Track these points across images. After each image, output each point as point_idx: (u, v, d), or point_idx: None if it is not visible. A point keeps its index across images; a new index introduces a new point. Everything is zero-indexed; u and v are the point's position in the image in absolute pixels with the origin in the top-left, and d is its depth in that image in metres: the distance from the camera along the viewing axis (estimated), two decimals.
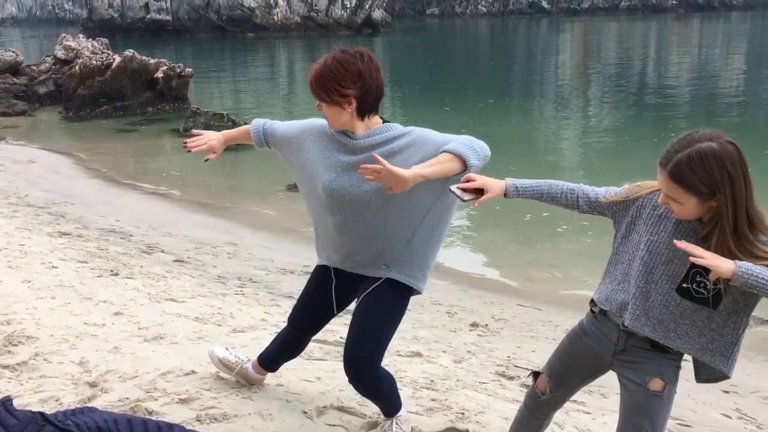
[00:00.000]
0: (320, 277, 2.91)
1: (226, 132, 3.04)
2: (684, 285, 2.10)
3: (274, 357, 3.20)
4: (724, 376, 2.25)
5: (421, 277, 2.79)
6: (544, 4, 74.64)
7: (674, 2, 74.48)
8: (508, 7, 75.93)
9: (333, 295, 2.88)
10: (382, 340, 2.74)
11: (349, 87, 2.50)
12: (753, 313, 5.99)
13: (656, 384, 2.21)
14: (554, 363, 2.46)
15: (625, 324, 2.20)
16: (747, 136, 14.32)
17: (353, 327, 2.76)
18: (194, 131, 3.00)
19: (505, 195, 2.36)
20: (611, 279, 2.27)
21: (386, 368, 3.03)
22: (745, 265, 1.91)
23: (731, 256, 1.95)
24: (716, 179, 1.95)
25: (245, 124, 3.27)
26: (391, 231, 2.66)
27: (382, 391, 2.87)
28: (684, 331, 2.15)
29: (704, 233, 2.05)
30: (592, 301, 2.35)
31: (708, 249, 1.98)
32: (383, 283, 2.73)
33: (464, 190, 2.34)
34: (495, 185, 2.33)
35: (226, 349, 3.35)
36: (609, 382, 4.30)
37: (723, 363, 2.18)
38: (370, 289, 2.73)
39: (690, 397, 4.17)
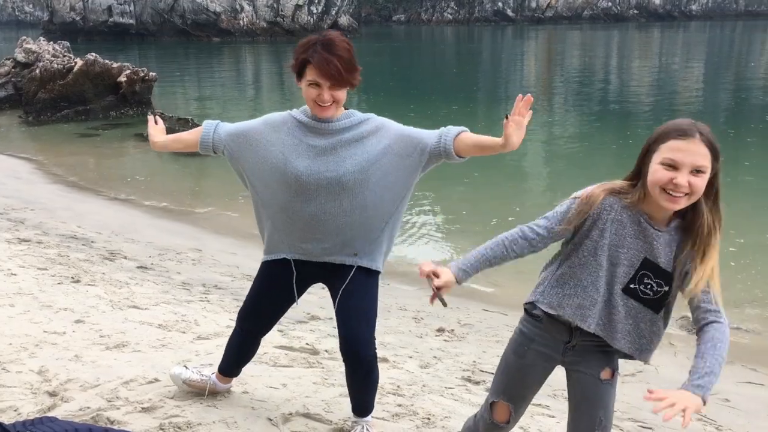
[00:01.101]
0: (277, 273, 2.86)
1: (167, 137, 3.00)
2: (632, 285, 2.16)
3: (233, 364, 3.18)
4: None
5: (383, 261, 2.89)
6: (509, 13, 75.50)
7: (635, 12, 75.96)
8: (474, 14, 76.60)
9: (295, 288, 2.87)
10: (373, 319, 2.85)
11: (359, 67, 2.62)
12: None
13: (606, 373, 2.27)
14: (509, 384, 2.42)
15: (577, 324, 2.22)
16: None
17: (345, 314, 2.79)
18: (151, 123, 3.02)
19: (457, 281, 2.29)
20: (562, 284, 2.27)
21: None
22: (704, 386, 2.01)
23: (713, 229, 2.08)
24: (719, 150, 2.04)
25: None
26: (367, 217, 2.71)
27: (376, 374, 2.91)
28: (627, 331, 2.22)
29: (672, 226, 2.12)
30: (531, 305, 2.35)
31: (688, 240, 2.08)
32: (357, 271, 2.78)
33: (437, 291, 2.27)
34: (447, 276, 2.27)
35: (185, 366, 3.29)
36: None
37: (650, 358, 2.29)
38: (348, 280, 2.77)
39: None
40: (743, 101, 20.89)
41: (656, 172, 2.04)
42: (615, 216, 2.16)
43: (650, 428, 3.74)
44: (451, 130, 2.66)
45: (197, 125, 12.32)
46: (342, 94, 2.61)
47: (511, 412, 2.42)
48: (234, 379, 3.35)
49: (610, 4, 76.03)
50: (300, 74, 2.60)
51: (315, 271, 2.85)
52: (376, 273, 2.85)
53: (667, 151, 2.04)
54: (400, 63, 36.81)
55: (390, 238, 2.85)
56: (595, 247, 2.18)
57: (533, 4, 75.76)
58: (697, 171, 2.01)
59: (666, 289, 2.15)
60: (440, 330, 5.23)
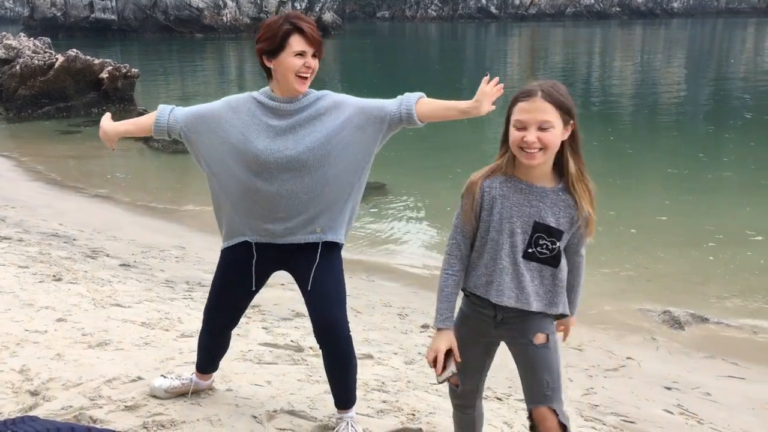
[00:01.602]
0: (237, 258, 2.85)
1: (117, 124, 2.96)
2: (529, 250, 2.32)
3: (208, 361, 3.18)
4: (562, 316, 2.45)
5: (346, 233, 2.90)
6: (493, 10, 75.68)
7: (618, 9, 76.42)
8: (458, 11, 76.69)
9: (253, 272, 2.86)
10: (344, 299, 2.85)
11: None
12: (693, 311, 6.16)
13: (540, 338, 2.36)
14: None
15: (493, 301, 2.35)
16: (685, 137, 14.83)
17: (315, 296, 2.79)
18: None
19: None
20: (475, 266, 2.41)
21: None
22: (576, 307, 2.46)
23: (582, 177, 2.28)
24: (571, 103, 2.24)
25: None
26: (330, 191, 2.74)
27: (354, 359, 2.90)
28: (537, 293, 2.35)
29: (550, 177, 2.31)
30: (464, 288, 2.48)
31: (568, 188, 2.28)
32: (321, 248, 2.79)
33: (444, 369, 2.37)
34: (447, 339, 2.39)
35: (164, 376, 3.26)
36: None
37: (566, 309, 2.41)
38: (316, 263, 2.78)
39: (633, 394, 4.28)
40: (722, 98, 21.09)
41: (512, 134, 2.25)
42: (497, 192, 2.32)
43: (633, 422, 3.78)
44: (411, 96, 2.75)
45: None
46: (317, 64, 2.69)
47: (459, 380, 2.49)
48: (217, 375, 3.34)
49: (592, 1, 76.45)
50: (279, 48, 2.62)
51: (277, 255, 2.84)
52: (340, 246, 2.87)
53: (516, 113, 2.23)
54: (384, 60, 36.79)
55: (353, 209, 2.88)
56: (488, 227, 2.34)
57: (517, 1, 76.01)
58: (543, 127, 2.19)
59: (559, 245, 2.31)
60: (425, 326, 5.24)
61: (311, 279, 2.78)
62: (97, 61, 17.22)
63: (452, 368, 2.36)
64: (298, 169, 2.68)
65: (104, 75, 16.91)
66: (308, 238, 2.78)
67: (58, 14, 50.30)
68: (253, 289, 2.93)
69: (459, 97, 2.67)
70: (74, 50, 17.30)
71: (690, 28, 60.37)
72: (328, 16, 54.67)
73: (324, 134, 2.69)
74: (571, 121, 2.25)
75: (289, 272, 2.93)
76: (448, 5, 77.33)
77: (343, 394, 2.98)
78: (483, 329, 2.44)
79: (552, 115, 2.20)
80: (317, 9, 53.47)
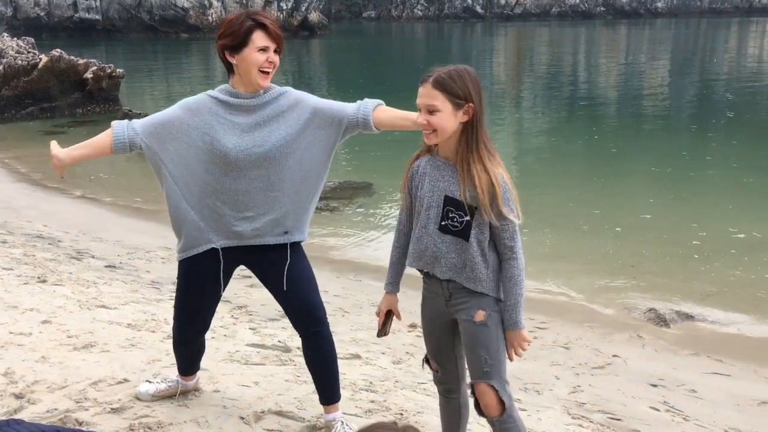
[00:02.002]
0: (203, 268, 2.83)
1: (71, 150, 2.83)
2: (443, 223, 2.43)
3: (188, 365, 3.18)
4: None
5: (307, 230, 2.95)
6: (479, 9, 75.81)
7: (602, 9, 76.79)
8: (443, 11, 76.79)
9: (221, 279, 2.87)
10: (317, 286, 2.94)
11: None
12: (678, 309, 6.19)
13: (480, 315, 2.44)
14: (426, 341, 2.70)
15: (440, 276, 2.48)
16: (669, 136, 14.95)
17: (292, 291, 2.83)
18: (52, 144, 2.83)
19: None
20: (413, 242, 2.56)
21: None
22: (515, 320, 2.42)
23: (472, 150, 2.36)
24: (469, 88, 2.34)
25: None
26: (295, 191, 2.78)
27: (333, 347, 2.94)
28: (453, 263, 2.44)
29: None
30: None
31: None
32: (290, 250, 2.83)
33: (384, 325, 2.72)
34: (387, 301, 2.70)
35: (149, 381, 3.24)
36: (543, 378, 4.41)
37: (493, 292, 2.46)
38: (287, 264, 2.82)
39: (620, 392, 4.30)
40: (705, 97, 21.27)
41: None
42: (422, 169, 2.50)
43: (619, 419, 3.80)
44: (369, 102, 2.79)
45: None
46: (278, 60, 2.72)
47: (437, 367, 2.66)
48: (204, 376, 3.33)
49: (577, 1, 76.78)
50: (243, 44, 2.64)
51: (243, 256, 2.85)
52: (302, 242, 2.93)
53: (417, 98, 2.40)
54: (369, 60, 36.77)
55: (313, 208, 2.92)
56: (413, 203, 2.54)
57: (502, 1, 76.19)
58: (430, 110, 2.35)
59: (468, 218, 2.39)
60: (412, 325, 5.25)
61: (285, 279, 2.82)
62: (81, 61, 17.09)
63: (389, 328, 2.72)
64: (266, 166, 2.71)
65: (89, 75, 16.79)
66: (277, 240, 2.81)
67: (42, 14, 49.86)
68: (222, 293, 2.94)
69: None
70: (58, 50, 17.16)
71: (674, 27, 60.79)
72: (314, 16, 54.53)
73: (289, 132, 2.73)
74: (467, 105, 2.34)
75: (255, 272, 2.94)
76: (434, 5, 77.39)
77: (329, 386, 2.98)
78: (439, 308, 2.55)
79: (438, 100, 2.34)
80: (303, 9, 53.31)
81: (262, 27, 2.64)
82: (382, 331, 2.71)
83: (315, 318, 2.86)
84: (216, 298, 2.96)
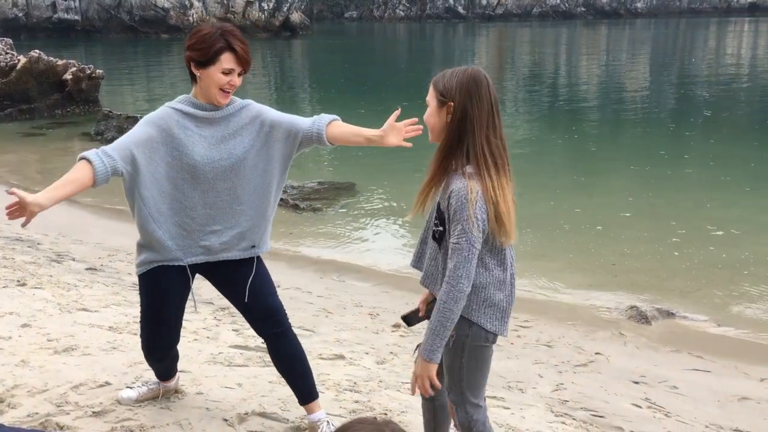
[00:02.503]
0: (169, 280, 2.81)
1: (50, 192, 2.50)
2: (433, 229, 2.39)
3: (164, 374, 3.17)
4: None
5: (269, 242, 2.97)
6: (460, 10, 76.02)
7: (583, 9, 77.31)
8: (426, 11, 76.91)
9: (192, 294, 2.89)
10: (276, 293, 2.95)
11: None
12: (659, 306, 6.22)
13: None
14: None
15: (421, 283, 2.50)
16: (647, 135, 15.10)
17: (253, 299, 2.84)
18: (13, 193, 2.40)
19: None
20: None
21: None
22: (426, 348, 2.26)
23: (461, 166, 2.25)
24: (453, 86, 2.24)
25: None
26: (259, 204, 2.80)
27: (300, 345, 2.95)
28: (430, 272, 2.43)
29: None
30: None
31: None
32: (255, 263, 2.86)
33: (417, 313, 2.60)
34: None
35: (130, 387, 3.22)
36: (526, 376, 4.43)
37: (437, 291, 2.40)
38: (252, 276, 2.84)
39: (602, 389, 4.33)
40: (683, 97, 21.49)
41: None
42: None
43: (602, 416, 3.83)
44: (324, 117, 2.79)
45: None
46: (240, 82, 2.74)
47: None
48: (187, 378, 3.31)
49: (558, 1, 77.22)
50: (210, 62, 2.64)
51: (207, 269, 2.87)
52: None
53: None
54: (351, 60, 36.75)
55: (271, 221, 2.93)
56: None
57: (484, 2, 76.46)
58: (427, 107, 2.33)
59: (441, 228, 2.32)
60: (396, 325, 5.25)
61: (247, 291, 2.84)
62: (60, 62, 16.92)
63: (415, 320, 2.65)
64: (232, 179, 2.73)
65: (68, 76, 16.62)
66: (243, 254, 2.83)
67: (20, 14, 49.28)
68: (185, 306, 2.94)
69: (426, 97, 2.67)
70: (37, 51, 16.97)
71: (653, 27, 61.34)
72: (295, 17, 54.39)
73: (253, 145, 2.75)
74: (449, 104, 2.25)
75: (213, 282, 2.94)
76: (416, 5, 77.49)
77: (306, 384, 2.98)
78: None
79: (429, 96, 2.32)
80: (285, 9, 53.16)
81: (232, 50, 2.64)
82: (412, 316, 2.62)
83: (277, 321, 2.89)
84: (182, 312, 2.94)
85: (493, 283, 2.31)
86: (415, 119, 2.65)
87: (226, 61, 2.64)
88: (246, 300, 2.85)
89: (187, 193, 2.72)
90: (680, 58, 35.60)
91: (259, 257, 2.91)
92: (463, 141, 2.24)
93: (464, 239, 2.18)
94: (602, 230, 8.24)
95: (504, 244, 2.28)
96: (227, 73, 2.66)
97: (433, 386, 2.33)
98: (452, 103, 2.24)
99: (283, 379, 3.56)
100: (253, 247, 2.84)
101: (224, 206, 2.76)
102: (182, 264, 2.79)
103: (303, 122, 2.79)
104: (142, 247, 2.82)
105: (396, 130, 2.64)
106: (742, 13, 76.51)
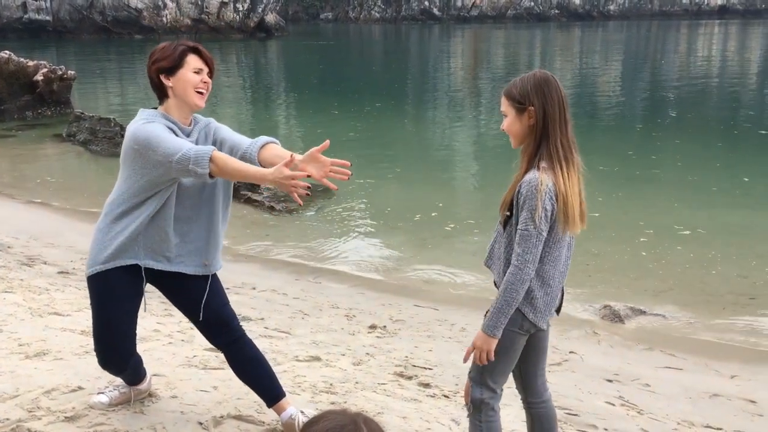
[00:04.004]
0: (127, 280, 2.79)
1: (259, 169, 2.60)
2: (504, 214, 2.51)
3: (132, 378, 3.14)
4: None
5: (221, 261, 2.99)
6: (435, 11, 76.31)
7: (557, 11, 78.02)
8: (401, 13, 77.07)
9: (143, 294, 2.88)
10: (228, 301, 2.99)
11: None
12: (632, 305, 6.28)
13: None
14: None
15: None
16: (616, 136, 15.32)
17: (208, 314, 2.86)
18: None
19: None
20: None
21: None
22: (487, 323, 2.42)
23: (538, 162, 2.41)
24: (529, 91, 2.41)
25: None
26: (218, 222, 2.85)
27: (254, 344, 2.98)
28: (494, 254, 2.58)
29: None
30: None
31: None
32: (209, 279, 2.88)
33: None
34: None
35: (101, 393, 3.18)
36: None
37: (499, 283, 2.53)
38: (206, 292, 2.86)
39: (576, 387, 4.37)
40: (650, 98, 21.82)
41: None
42: None
43: (576, 414, 3.86)
44: (260, 140, 2.81)
45: (119, 125, 12.04)
46: (211, 84, 2.81)
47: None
48: (161, 382, 3.29)
49: (532, 3, 77.81)
50: (178, 66, 2.71)
51: (158, 277, 2.86)
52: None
53: None
54: (326, 61, 36.70)
55: (221, 239, 2.96)
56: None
57: (459, 3, 76.81)
58: (504, 116, 2.49)
59: (509, 213, 2.47)
60: (372, 327, 5.26)
61: (202, 308, 2.86)
62: (31, 63, 16.67)
63: None
64: (194, 196, 2.77)
65: (39, 77, 16.38)
66: (197, 270, 2.85)
67: None
68: (143, 311, 2.94)
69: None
70: (7, 52, 16.69)
71: (626, 30, 62.10)
72: (270, 18, 54.19)
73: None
74: (529, 108, 2.41)
75: (166, 295, 2.95)
76: (391, 7, 77.62)
77: (271, 384, 2.98)
78: None
79: (504, 106, 2.47)
80: (260, 10, 52.93)
81: (195, 51, 2.75)
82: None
83: (231, 328, 2.92)
84: (134, 319, 2.89)
85: (541, 276, 2.46)
86: (347, 163, 2.55)
87: (193, 60, 2.73)
88: (201, 318, 2.87)
89: (175, 207, 2.76)
90: (653, 60, 36.07)
91: (217, 279, 2.94)
92: (544, 139, 2.41)
93: (532, 226, 2.35)
94: None
95: (570, 232, 2.47)
96: (197, 72, 2.73)
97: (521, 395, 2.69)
98: (533, 107, 2.39)
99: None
100: (206, 265, 2.86)
101: (187, 221, 2.79)
102: (138, 264, 2.77)
103: (244, 143, 2.81)
104: (103, 244, 2.77)
105: (318, 163, 2.53)
106: (711, 16, 77.81)
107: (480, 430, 2.56)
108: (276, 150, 2.75)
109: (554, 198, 2.36)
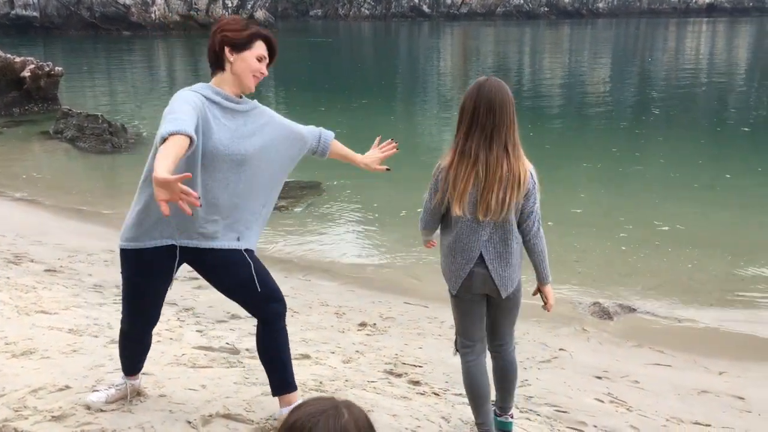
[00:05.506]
0: (157, 260, 2.80)
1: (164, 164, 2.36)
2: None
3: (136, 363, 3.14)
4: None
5: (257, 240, 3.02)
6: (425, 9, 76.24)
7: (546, 9, 78.13)
8: (391, 10, 76.97)
9: (174, 273, 2.87)
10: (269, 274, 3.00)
11: None
12: (621, 302, 6.31)
13: None
14: None
15: None
16: (600, 133, 15.42)
17: (248, 290, 2.85)
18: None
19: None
20: None
21: None
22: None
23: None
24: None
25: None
26: (259, 201, 2.88)
27: (286, 336, 3.00)
28: None
29: None
30: None
31: None
32: (248, 255, 2.87)
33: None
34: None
35: (97, 391, 3.16)
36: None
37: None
38: (253, 267, 2.86)
39: (566, 385, 4.38)
40: (636, 95, 21.91)
41: None
42: None
43: (566, 411, 3.87)
44: (328, 134, 3.11)
45: (107, 121, 11.89)
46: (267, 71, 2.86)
47: None
48: (150, 381, 3.27)
49: (522, 1, 77.88)
50: (245, 46, 2.72)
51: (195, 256, 2.86)
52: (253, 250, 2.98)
53: None
54: (314, 58, 36.61)
55: (264, 221, 3.02)
56: None
57: (448, 1, 76.75)
58: None
59: None
60: (362, 324, 5.25)
61: (256, 280, 2.85)
62: (18, 59, 16.53)
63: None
64: (242, 172, 2.77)
65: (26, 74, 16.24)
66: (228, 244, 2.84)
67: None
68: (170, 287, 2.93)
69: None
70: None
71: (614, 27, 62.30)
72: (260, 14, 53.98)
73: (263, 142, 2.82)
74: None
75: (204, 272, 2.92)
76: (381, 4, 77.50)
77: (288, 374, 3.00)
78: None
79: None
80: (249, 6, 52.74)
81: (266, 39, 2.79)
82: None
83: (279, 299, 2.95)
84: (164, 293, 2.95)
85: (444, 247, 3.07)
86: (389, 140, 3.21)
87: (260, 47, 2.76)
88: (259, 289, 2.85)
89: (203, 180, 2.70)
90: (641, 57, 36.21)
91: (252, 254, 2.92)
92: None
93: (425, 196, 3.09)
94: (553, 226, 8.22)
95: (454, 211, 2.91)
96: (260, 59, 2.76)
97: None
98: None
99: (248, 380, 3.54)
100: (239, 239, 2.86)
101: (228, 197, 2.77)
102: (174, 243, 2.77)
103: (311, 135, 3.05)
104: (140, 221, 2.76)
105: (376, 156, 3.19)
106: (700, 14, 78.08)
107: (463, 369, 3.10)
108: (342, 147, 3.20)
109: (439, 176, 2.90)
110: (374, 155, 3.20)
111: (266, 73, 2.81)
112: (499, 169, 2.80)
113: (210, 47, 2.75)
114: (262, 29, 2.82)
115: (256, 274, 2.86)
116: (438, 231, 3.09)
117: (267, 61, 2.81)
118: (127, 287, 2.89)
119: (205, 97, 2.70)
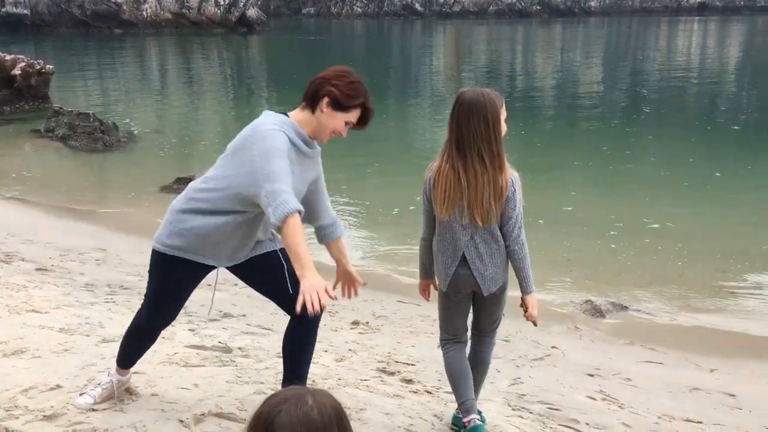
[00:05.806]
0: (200, 272, 2.90)
1: (309, 263, 2.62)
2: None
3: (135, 357, 3.15)
4: None
5: None
6: (418, 7, 76.23)
7: (538, 8, 78.23)
8: (383, 8, 76.92)
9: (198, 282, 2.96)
10: None
11: None
12: (613, 300, 6.34)
13: None
14: None
15: None
16: (591, 131, 15.47)
17: (281, 290, 2.92)
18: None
19: None
20: None
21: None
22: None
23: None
24: None
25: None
26: None
27: (313, 336, 3.10)
28: None
29: None
30: None
31: None
32: (281, 255, 2.93)
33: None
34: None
35: (85, 393, 3.13)
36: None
37: None
38: (286, 268, 2.91)
39: (558, 382, 4.39)
40: (626, 93, 21.99)
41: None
42: None
43: (558, 409, 3.88)
44: (342, 229, 3.29)
45: (98, 120, 11.84)
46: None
47: None
48: (142, 380, 3.25)
49: (514, 0, 78.02)
50: (343, 108, 2.75)
51: (233, 267, 2.97)
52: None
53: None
54: (307, 56, 36.55)
55: None
56: None
57: None
58: None
59: None
60: (355, 323, 5.24)
61: (288, 279, 2.88)
62: (8, 57, 16.45)
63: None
64: None
65: (17, 72, 16.17)
66: (267, 247, 2.93)
67: None
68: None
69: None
70: None
71: (607, 26, 62.49)
72: (252, 12, 53.83)
73: (312, 181, 2.96)
74: None
75: (243, 276, 3.01)
76: (374, 2, 77.43)
77: (305, 369, 3.04)
78: None
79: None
80: (241, 5, 52.57)
81: (365, 111, 2.81)
82: None
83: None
84: (189, 296, 3.02)
85: (434, 248, 3.24)
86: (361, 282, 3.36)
87: (354, 117, 2.81)
88: (291, 291, 2.85)
89: (254, 216, 2.79)
90: (633, 55, 36.31)
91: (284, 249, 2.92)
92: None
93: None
94: (544, 224, 8.25)
95: (439, 214, 3.07)
96: (347, 123, 2.80)
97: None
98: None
99: (240, 379, 3.53)
100: (270, 239, 2.95)
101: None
102: (214, 265, 2.88)
103: (327, 212, 3.16)
104: (193, 237, 2.79)
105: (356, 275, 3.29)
106: (691, 13, 78.35)
107: (444, 360, 3.25)
108: (341, 248, 3.25)
109: (430, 180, 3.06)
110: (355, 275, 3.29)
111: (344, 135, 2.85)
112: (477, 180, 2.91)
113: (314, 87, 2.78)
114: (369, 101, 2.82)
115: (289, 276, 2.88)
116: (435, 276, 3.25)
117: (352, 125, 2.84)
118: (159, 290, 2.93)
119: (292, 142, 2.75)
